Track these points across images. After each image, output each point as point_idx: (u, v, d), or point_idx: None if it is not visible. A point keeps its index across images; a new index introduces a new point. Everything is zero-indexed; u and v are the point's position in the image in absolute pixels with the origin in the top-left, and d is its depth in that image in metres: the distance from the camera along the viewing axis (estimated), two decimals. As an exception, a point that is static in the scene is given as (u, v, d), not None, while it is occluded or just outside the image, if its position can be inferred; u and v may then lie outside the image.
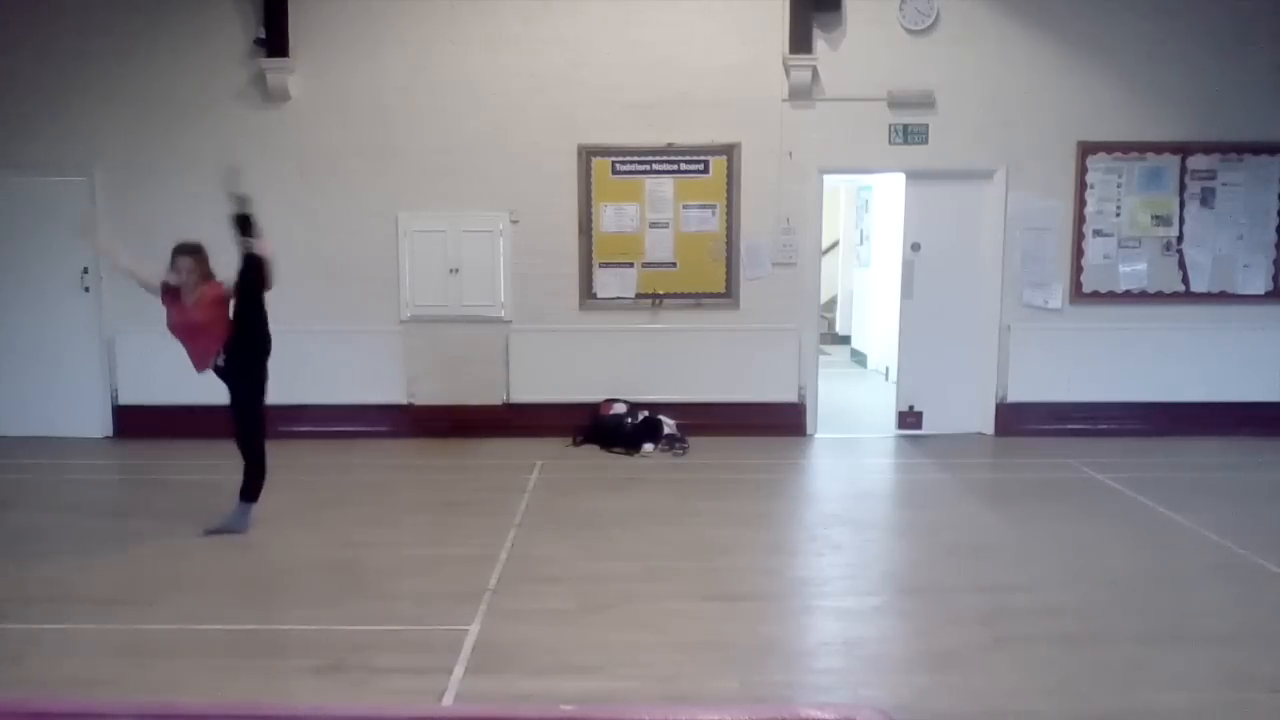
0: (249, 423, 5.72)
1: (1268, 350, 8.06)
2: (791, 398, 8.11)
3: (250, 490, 5.71)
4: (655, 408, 7.80)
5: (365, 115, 7.86)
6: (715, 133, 7.91)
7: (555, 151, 7.90)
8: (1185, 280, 8.05)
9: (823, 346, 9.26)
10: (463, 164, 7.91)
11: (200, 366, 5.64)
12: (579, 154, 7.92)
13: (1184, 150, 7.96)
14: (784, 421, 8.06)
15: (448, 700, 3.60)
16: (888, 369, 10.03)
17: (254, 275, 5.54)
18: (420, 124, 7.88)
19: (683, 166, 7.95)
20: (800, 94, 7.84)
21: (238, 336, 5.59)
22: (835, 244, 12.66)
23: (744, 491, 6.57)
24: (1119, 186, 7.99)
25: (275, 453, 7.41)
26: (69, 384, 8.00)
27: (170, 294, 5.58)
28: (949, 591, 4.73)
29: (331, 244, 7.94)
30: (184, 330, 5.58)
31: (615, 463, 7.32)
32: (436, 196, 7.94)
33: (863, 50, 7.84)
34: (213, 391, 7.87)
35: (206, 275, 5.60)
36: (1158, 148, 7.95)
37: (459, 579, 4.84)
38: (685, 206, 7.98)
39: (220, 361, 5.59)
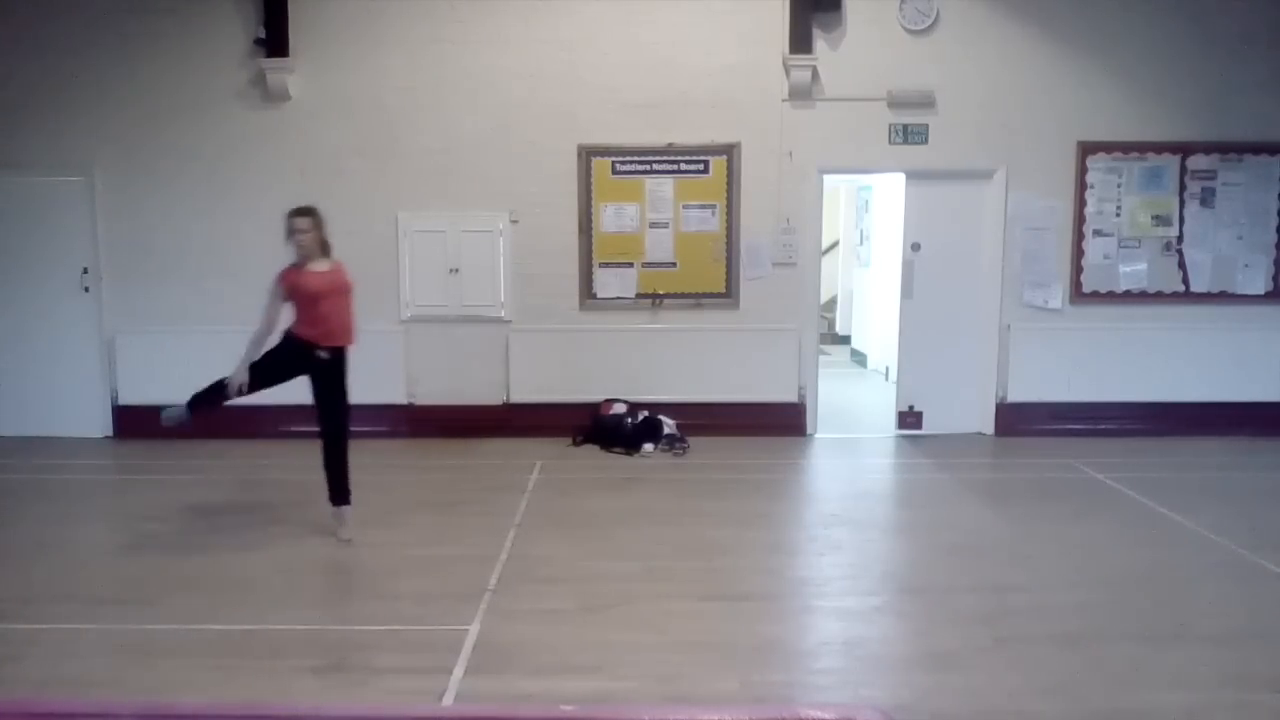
0: (347, 423, 5.69)
1: (1268, 350, 8.06)
2: (791, 398, 8.11)
3: (343, 493, 5.63)
4: (655, 408, 7.79)
5: (365, 115, 7.86)
6: (715, 133, 7.91)
7: (555, 151, 7.90)
8: (1185, 280, 8.05)
9: (823, 346, 9.26)
10: (463, 164, 7.91)
11: (351, 337, 5.53)
12: (579, 154, 7.92)
13: (1184, 150, 7.96)
14: (784, 421, 8.06)
15: (448, 700, 3.60)
16: (888, 369, 10.03)
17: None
18: (420, 124, 7.88)
19: (683, 166, 7.95)
20: (800, 94, 7.84)
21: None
22: (835, 244, 12.66)
23: (744, 491, 6.57)
24: (1119, 186, 7.99)
25: (273, 453, 7.47)
26: (69, 384, 8.00)
27: (291, 275, 5.39)
28: (949, 591, 4.73)
29: (332, 244, 7.91)
30: (334, 293, 5.43)
31: (615, 463, 7.32)
32: (436, 196, 7.94)
33: (863, 50, 7.84)
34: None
35: (324, 242, 5.51)
36: (1158, 148, 7.95)
37: (459, 579, 4.84)
38: (685, 206, 7.98)
39: (325, 354, 5.45)
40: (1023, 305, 8.04)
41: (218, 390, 5.46)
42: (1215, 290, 8.05)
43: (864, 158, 8.05)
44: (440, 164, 7.90)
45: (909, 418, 8.18)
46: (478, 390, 8.02)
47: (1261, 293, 8.05)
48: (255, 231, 7.90)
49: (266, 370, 5.44)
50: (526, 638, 4.16)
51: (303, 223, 5.41)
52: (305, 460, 7.28)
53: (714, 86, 7.85)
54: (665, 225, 8.00)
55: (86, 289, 7.95)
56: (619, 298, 8.04)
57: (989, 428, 8.13)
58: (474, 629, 4.23)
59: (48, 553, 5.30)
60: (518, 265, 8.00)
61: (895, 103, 7.86)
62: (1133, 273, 8.05)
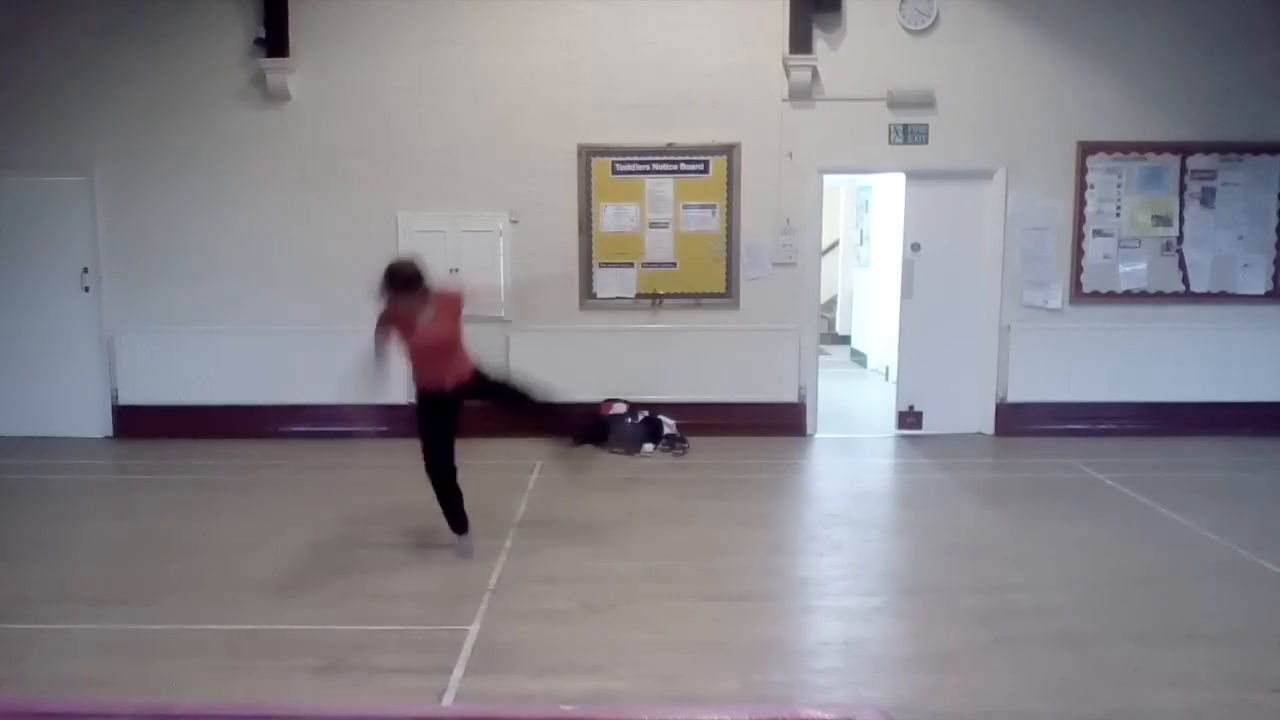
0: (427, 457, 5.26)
1: (1268, 350, 8.06)
2: (791, 398, 8.10)
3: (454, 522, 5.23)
4: (655, 408, 7.79)
5: (365, 115, 7.86)
6: (715, 133, 7.91)
7: (555, 151, 7.90)
8: (1185, 280, 8.05)
9: (823, 346, 9.26)
10: (463, 164, 7.91)
11: (455, 380, 5.11)
12: (579, 154, 7.92)
13: (1184, 150, 7.96)
14: (784, 421, 8.06)
15: (448, 700, 3.60)
16: (888, 369, 10.03)
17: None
18: (420, 124, 7.88)
19: (683, 166, 7.95)
20: (800, 94, 7.84)
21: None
22: (835, 244, 12.66)
23: (744, 491, 6.57)
24: (1119, 186, 7.99)
25: (273, 453, 7.48)
26: (69, 384, 8.00)
27: (396, 323, 4.98)
28: (949, 591, 4.73)
29: (331, 244, 7.94)
30: (433, 348, 5.01)
31: (615, 463, 7.32)
32: (436, 196, 7.94)
33: (863, 50, 7.84)
34: (212, 392, 7.94)
35: (426, 291, 4.94)
36: (1158, 148, 7.95)
37: (459, 579, 4.84)
38: (685, 206, 7.98)
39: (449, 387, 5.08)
40: (1023, 305, 8.04)
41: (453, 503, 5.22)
42: (1215, 290, 8.05)
43: (864, 158, 8.05)
44: (440, 164, 7.89)
45: (909, 418, 8.18)
46: (478, 390, 8.01)
47: (1261, 293, 8.05)
48: (255, 231, 7.93)
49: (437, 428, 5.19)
50: (526, 638, 4.16)
51: (405, 301, 4.86)
52: (305, 460, 7.33)
53: (714, 86, 7.84)
54: (665, 225, 7.99)
55: (86, 289, 7.95)
56: (619, 298, 8.04)
57: (989, 428, 8.13)
58: (474, 629, 4.22)
59: (48, 553, 5.30)
60: (518, 265, 7.99)
61: (895, 103, 7.85)
62: (1133, 273, 8.05)
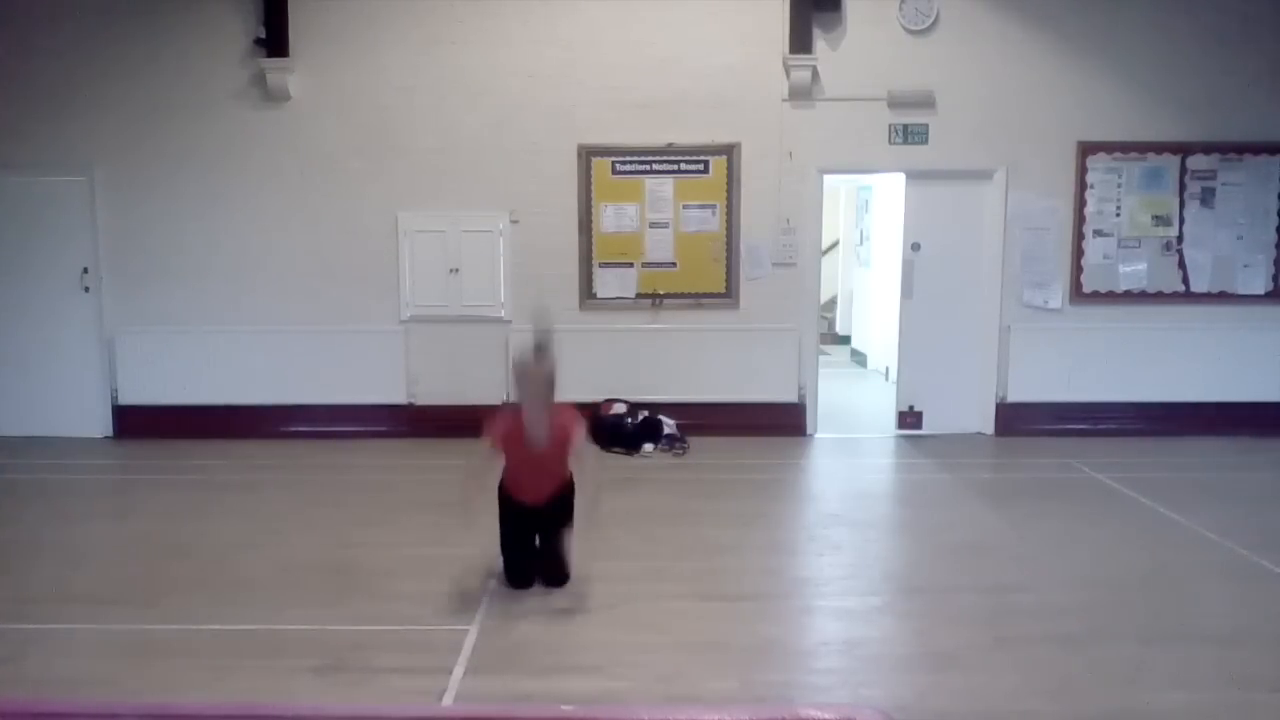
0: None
1: (1268, 350, 8.06)
2: (791, 398, 8.10)
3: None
4: (655, 408, 7.79)
5: (365, 115, 7.86)
6: (715, 133, 7.91)
7: (555, 151, 7.90)
8: (1185, 280, 8.05)
9: (823, 346, 9.26)
10: (462, 164, 7.91)
11: (545, 497, 4.76)
12: (579, 154, 7.92)
13: (1184, 150, 7.96)
14: (784, 421, 8.06)
15: (448, 700, 3.60)
16: (888, 369, 10.03)
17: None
18: (420, 124, 7.88)
19: (683, 166, 7.95)
20: (800, 94, 7.84)
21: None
22: (835, 244, 12.66)
23: (744, 491, 6.57)
24: (1119, 186, 7.99)
25: (273, 453, 7.47)
26: (69, 384, 7.99)
27: (507, 436, 4.64)
28: (949, 591, 4.73)
29: (331, 244, 7.94)
30: (536, 471, 4.69)
31: (615, 463, 7.31)
32: (436, 196, 7.93)
33: (863, 50, 7.84)
34: (212, 392, 7.94)
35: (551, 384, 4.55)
36: (1158, 148, 7.95)
37: (459, 579, 4.83)
38: (685, 206, 7.98)
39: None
40: (1023, 305, 8.04)
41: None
42: (1215, 290, 8.04)
43: (864, 158, 8.05)
44: (440, 164, 7.89)
45: (909, 418, 8.18)
46: (478, 390, 8.00)
47: (1261, 293, 8.05)
48: (255, 231, 7.93)
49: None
50: (526, 638, 4.16)
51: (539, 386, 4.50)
52: (304, 460, 7.33)
53: (714, 86, 7.84)
54: (665, 225, 7.99)
55: (86, 289, 7.95)
56: (619, 298, 8.04)
57: (989, 428, 8.13)
58: (474, 629, 4.22)
59: (47, 553, 5.29)
60: (518, 265, 7.99)
61: (895, 103, 7.85)
62: (1133, 273, 8.05)
